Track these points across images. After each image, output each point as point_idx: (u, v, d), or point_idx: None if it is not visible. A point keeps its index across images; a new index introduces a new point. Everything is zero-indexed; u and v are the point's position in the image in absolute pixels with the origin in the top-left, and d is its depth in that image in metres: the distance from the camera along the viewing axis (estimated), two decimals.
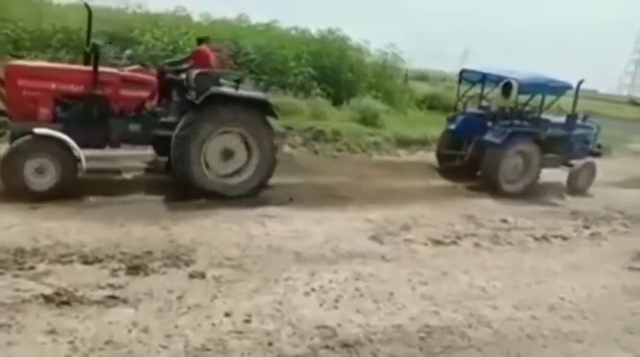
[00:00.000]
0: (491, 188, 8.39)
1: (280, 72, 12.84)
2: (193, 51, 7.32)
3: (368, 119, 12.02)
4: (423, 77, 24.58)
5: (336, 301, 4.08)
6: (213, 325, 3.50)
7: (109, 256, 4.32)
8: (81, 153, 5.62)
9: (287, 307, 3.86)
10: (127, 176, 6.74)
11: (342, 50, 14.42)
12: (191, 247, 4.71)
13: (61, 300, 3.57)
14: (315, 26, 15.03)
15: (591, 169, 9.45)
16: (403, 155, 10.92)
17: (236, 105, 6.29)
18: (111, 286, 3.86)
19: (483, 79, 9.54)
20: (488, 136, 8.52)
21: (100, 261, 4.23)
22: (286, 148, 9.24)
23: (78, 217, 5.08)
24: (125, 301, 3.67)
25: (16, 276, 3.82)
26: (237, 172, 6.50)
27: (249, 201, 6.29)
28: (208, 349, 3.24)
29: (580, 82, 9.29)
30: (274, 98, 10.97)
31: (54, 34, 11.21)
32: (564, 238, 6.52)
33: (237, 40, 13.03)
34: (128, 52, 10.98)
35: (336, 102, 13.05)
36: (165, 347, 3.20)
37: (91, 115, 6.03)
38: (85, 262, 4.19)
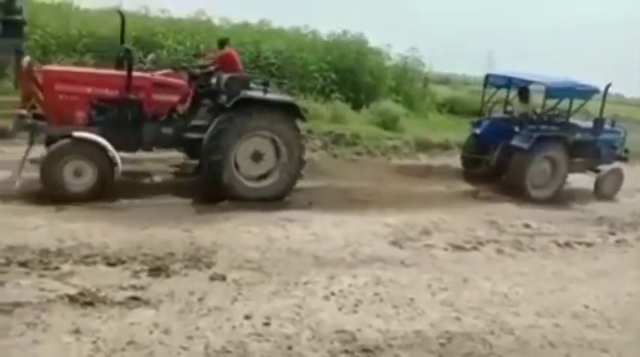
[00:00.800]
0: (518, 194, 8.26)
1: (300, 76, 12.89)
2: (219, 55, 7.37)
3: (388, 123, 11.99)
4: (445, 81, 24.40)
5: (356, 305, 4.06)
6: (234, 327, 3.52)
7: (131, 257, 4.38)
8: (117, 156, 5.77)
9: (306, 310, 3.86)
10: (157, 179, 6.89)
11: (360, 53, 14.41)
12: (212, 249, 4.75)
13: (84, 300, 3.63)
14: (334, 30, 15.08)
15: (618, 175, 9.28)
16: (423, 159, 10.85)
17: (265, 108, 6.38)
18: (133, 287, 3.91)
19: (509, 83, 9.45)
20: (516, 141, 8.43)
21: (122, 262, 4.29)
22: (306, 152, 9.26)
23: (102, 220, 5.17)
24: (147, 303, 3.71)
25: (42, 276, 3.90)
26: (266, 174, 6.60)
27: (269, 204, 6.32)
28: (229, 352, 3.26)
29: (607, 86, 9.21)
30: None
31: (80, 39, 11.48)
32: (589, 245, 6.39)
33: (258, 44, 13.14)
34: (151, 56, 11.12)
35: (356, 106, 13.04)
36: (185, 349, 3.23)
37: (126, 118, 6.18)
38: (108, 264, 4.26)
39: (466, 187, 8.77)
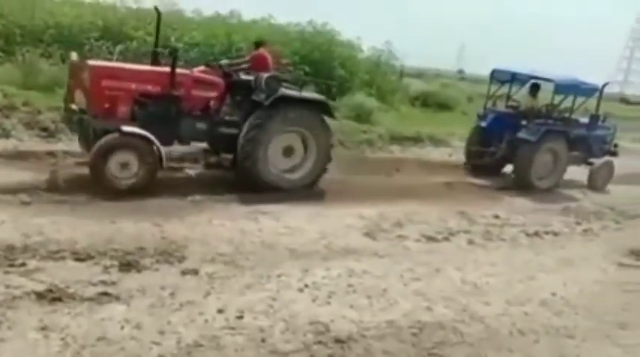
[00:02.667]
0: (524, 185, 8.72)
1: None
2: (253, 55, 7.61)
3: (362, 116, 12.03)
4: (418, 75, 24.62)
5: (329, 297, 4.08)
6: (206, 321, 3.49)
7: (100, 252, 4.29)
8: (163, 150, 5.95)
9: (280, 303, 3.85)
10: (191, 173, 7.09)
11: (331, 45, 14.36)
12: (183, 243, 4.69)
13: (52, 296, 3.54)
14: (300, 21, 15.01)
15: (610, 168, 9.81)
16: (396, 152, 10.94)
17: (299, 106, 6.72)
18: (103, 282, 3.83)
19: (512, 78, 9.77)
20: (523, 134, 8.82)
21: (91, 258, 4.20)
22: None
23: (69, 214, 5.05)
24: (117, 298, 3.65)
25: (7, 272, 3.78)
26: (295, 167, 6.94)
27: (241, 197, 6.29)
28: (201, 345, 3.23)
29: (604, 85, 9.80)
30: None
31: (46, 29, 11.14)
32: (556, 234, 6.57)
33: (229, 35, 12.99)
34: (120, 47, 10.91)
35: (329, 99, 13.00)
36: (157, 344, 3.18)
37: (166, 113, 6.34)
38: (77, 259, 4.15)
39: (438, 178, 8.88)
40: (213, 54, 11.96)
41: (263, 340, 3.37)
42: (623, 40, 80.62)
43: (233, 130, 6.58)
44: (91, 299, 3.59)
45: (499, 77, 9.88)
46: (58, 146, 7.51)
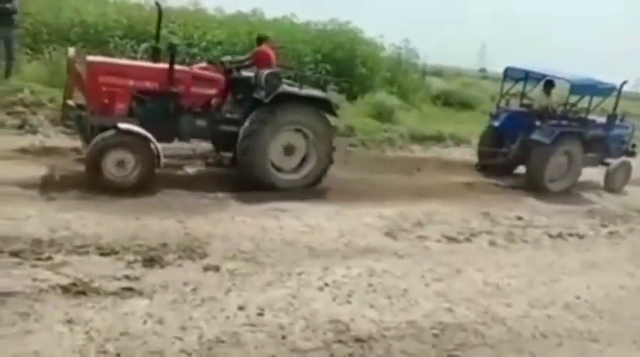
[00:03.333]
0: (535, 187, 8.46)
1: (295, 67, 12.80)
2: (255, 51, 7.55)
3: (383, 115, 11.95)
4: (437, 73, 24.38)
5: (349, 296, 4.07)
6: (227, 317, 3.53)
7: (125, 248, 4.36)
8: (160, 148, 5.86)
9: (300, 301, 3.87)
10: (190, 171, 6.99)
11: (354, 43, 14.33)
12: (206, 240, 4.74)
13: (77, 290, 3.61)
14: (322, 19, 15.00)
15: (627, 168, 9.55)
16: (417, 151, 10.86)
17: (300, 103, 6.61)
18: (127, 277, 3.90)
19: (526, 77, 9.59)
20: (537, 136, 8.54)
21: (116, 253, 4.27)
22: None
23: (95, 210, 5.13)
24: (140, 293, 3.71)
25: (34, 266, 3.87)
26: (298, 166, 6.83)
27: (262, 195, 6.31)
28: (222, 341, 3.26)
29: (623, 84, 9.41)
30: None
31: (71, 28, 11.34)
32: (580, 237, 6.45)
33: (251, 34, 13.02)
34: (144, 45, 11.04)
35: (350, 97, 12.99)
36: (179, 339, 3.23)
37: (164, 110, 6.28)
38: (102, 254, 4.23)
39: (460, 178, 8.79)
40: (235, 52, 12.04)
41: (283, 338, 3.39)
42: None
43: (233, 128, 6.49)
44: (114, 294, 3.65)
45: (513, 75, 9.67)
46: None
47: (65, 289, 3.61)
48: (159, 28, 6.81)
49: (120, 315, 3.40)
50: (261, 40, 7.69)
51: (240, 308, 3.65)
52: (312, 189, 6.79)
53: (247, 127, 6.34)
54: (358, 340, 3.49)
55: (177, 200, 5.73)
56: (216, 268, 4.22)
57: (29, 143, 7.08)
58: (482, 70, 55.58)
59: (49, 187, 5.57)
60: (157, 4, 6.80)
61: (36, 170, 6.02)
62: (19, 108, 8.01)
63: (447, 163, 9.87)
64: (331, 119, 6.98)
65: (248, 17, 14.82)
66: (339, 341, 3.45)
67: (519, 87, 9.98)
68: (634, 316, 4.43)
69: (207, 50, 11.90)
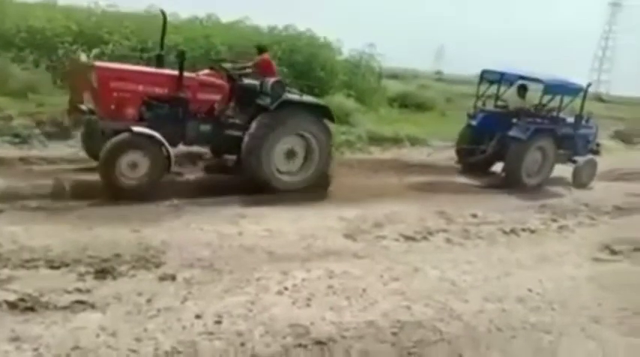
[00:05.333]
0: (514, 182, 8.91)
1: None
2: (257, 60, 7.82)
3: (340, 117, 12.01)
4: (394, 75, 24.76)
5: (309, 299, 4.07)
6: (184, 327, 3.46)
7: (76, 260, 4.21)
8: (172, 151, 6.07)
9: (259, 306, 3.84)
10: (187, 177, 7.14)
11: (312, 47, 14.40)
12: (161, 248, 4.64)
13: (25, 306, 3.47)
14: (283, 24, 15.07)
15: (593, 165, 10.10)
16: (376, 153, 10.98)
17: (302, 110, 6.96)
18: (78, 290, 3.77)
19: (501, 79, 10.01)
20: (514, 132, 8.99)
21: (66, 265, 4.12)
22: None
23: (44, 221, 4.96)
24: (93, 306, 3.59)
25: None
26: (298, 170, 7.14)
27: (221, 201, 6.25)
28: (179, 352, 3.20)
29: (588, 85, 10.14)
30: None
31: (17, 33, 10.93)
32: (532, 231, 6.65)
33: (209, 38, 12.91)
34: (95, 51, 10.76)
35: None
36: (134, 351, 3.14)
37: (172, 116, 6.51)
38: (51, 267, 4.08)
39: (417, 179, 8.95)
40: (193, 57, 11.87)
41: (242, 345, 3.35)
42: (596, 41, 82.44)
43: (237, 133, 6.74)
44: (65, 308, 3.53)
45: (489, 77, 10.08)
46: (32, 152, 7.38)
47: (12, 305, 3.46)
48: (163, 35, 6.92)
49: (71, 329, 3.28)
50: (261, 49, 8.12)
51: (198, 317, 3.59)
52: (270, 194, 6.76)
53: (254, 131, 6.61)
54: (318, 342, 3.49)
55: (131, 209, 5.58)
56: (172, 277, 4.14)
57: None
58: (439, 72, 56.83)
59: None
60: (162, 12, 7.02)
61: None
62: None
63: (405, 164, 10.02)
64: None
65: (203, 22, 14.67)
66: (299, 345, 3.44)
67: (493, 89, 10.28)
68: (583, 305, 4.61)
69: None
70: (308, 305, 3.98)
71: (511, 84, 10.11)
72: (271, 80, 6.84)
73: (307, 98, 7.22)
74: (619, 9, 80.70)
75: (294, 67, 13.46)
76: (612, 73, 78.48)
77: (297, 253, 5.03)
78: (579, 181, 9.88)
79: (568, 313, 4.42)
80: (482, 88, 10.09)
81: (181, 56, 6.52)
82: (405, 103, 17.08)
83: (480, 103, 10.02)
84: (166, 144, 6.00)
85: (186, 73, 6.57)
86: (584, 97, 9.98)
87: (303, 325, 3.65)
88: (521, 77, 9.82)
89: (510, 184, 8.94)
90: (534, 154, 9.12)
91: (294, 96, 7.00)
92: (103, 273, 4.06)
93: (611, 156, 13.56)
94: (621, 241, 6.47)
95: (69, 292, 3.72)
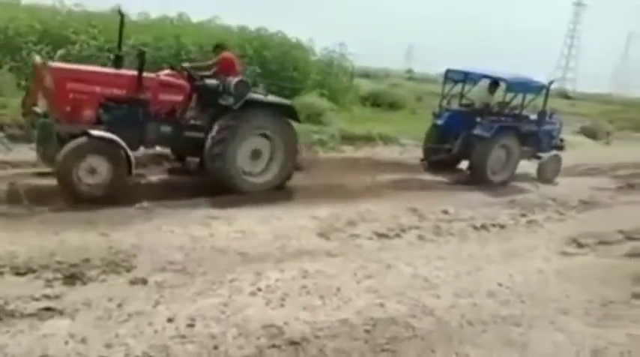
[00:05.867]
0: (480, 180, 9.03)
1: None
2: (219, 58, 7.54)
3: (313, 117, 12.04)
4: (366, 74, 24.91)
5: (283, 299, 4.07)
6: (156, 331, 3.41)
7: (43, 266, 4.11)
8: (132, 156, 5.85)
9: (232, 308, 3.81)
10: (152, 179, 6.93)
11: (284, 47, 14.37)
12: (132, 252, 4.56)
13: None
14: (254, 24, 14.99)
15: (557, 161, 10.35)
16: (349, 151, 11.02)
17: (266, 110, 6.83)
18: (46, 297, 3.68)
19: (465, 78, 10.14)
20: (478, 131, 9.14)
21: (33, 271, 4.02)
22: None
23: (8, 227, 4.81)
24: (61, 312, 3.52)
25: None
26: (263, 171, 7.02)
27: (192, 203, 6.17)
28: (151, 356, 3.15)
29: (551, 82, 10.44)
30: None
31: None
32: (502, 227, 6.79)
33: (179, 38, 12.75)
34: (61, 52, 10.50)
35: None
36: None
37: (131, 117, 6.27)
38: (17, 274, 3.97)
39: (390, 176, 9.01)
40: (161, 57, 11.70)
41: (215, 347, 3.33)
42: (562, 39, 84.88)
43: (199, 134, 6.58)
44: (32, 315, 3.44)
45: (453, 77, 10.22)
46: None
47: None
48: (121, 35, 6.68)
49: (38, 337, 3.20)
50: (219, 47, 7.78)
51: (170, 320, 3.54)
52: (244, 194, 6.71)
53: (216, 133, 6.45)
54: (292, 342, 3.49)
55: (98, 212, 5.45)
56: (144, 281, 4.08)
57: None
58: (409, 71, 57.43)
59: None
60: (120, 12, 6.73)
61: None
62: None
63: (378, 162, 10.09)
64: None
65: (174, 21, 14.47)
66: (273, 346, 3.43)
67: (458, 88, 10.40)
68: (551, 298, 4.73)
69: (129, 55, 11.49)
70: (282, 305, 3.98)
71: (475, 83, 10.24)
72: (235, 80, 6.68)
73: (272, 98, 7.10)
74: (583, 8, 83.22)
75: (265, 67, 13.40)
76: (577, 71, 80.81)
77: (270, 253, 5.02)
78: (544, 176, 10.10)
79: (537, 306, 4.53)
80: (447, 87, 10.23)
81: (141, 56, 6.31)
82: (377, 101, 17.21)
83: (444, 103, 10.15)
84: (126, 147, 5.79)
85: (146, 74, 6.39)
86: (547, 94, 10.19)
87: (276, 326, 3.65)
88: (485, 76, 9.94)
89: (476, 181, 9.09)
90: (498, 151, 9.25)
91: (258, 95, 6.87)
92: (71, 278, 3.98)
93: (577, 151, 13.95)
94: (587, 234, 6.66)
95: (36, 299, 3.63)
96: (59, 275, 4.00)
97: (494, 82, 9.87)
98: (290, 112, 7.13)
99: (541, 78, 10.34)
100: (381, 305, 4.14)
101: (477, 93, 10.19)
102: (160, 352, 3.21)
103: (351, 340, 3.61)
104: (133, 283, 4.05)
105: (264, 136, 6.92)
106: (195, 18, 14.92)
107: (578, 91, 59.29)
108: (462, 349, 3.71)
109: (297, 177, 8.03)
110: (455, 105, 10.20)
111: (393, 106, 17.45)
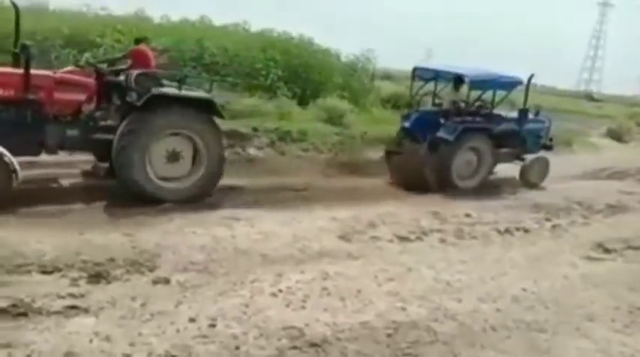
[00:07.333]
0: (445, 186, 8.27)
1: (248, 74, 12.76)
2: (130, 50, 7.06)
3: (334, 119, 12.05)
4: (387, 76, 24.81)
5: (304, 301, 4.06)
6: (178, 331, 3.44)
7: (68, 265, 4.19)
8: (15, 162, 5.27)
9: (253, 309, 3.82)
10: (65, 184, 6.51)
11: (309, 52, 14.44)
12: (155, 252, 4.62)
13: (17, 312, 3.45)
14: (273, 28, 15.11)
15: (544, 163, 9.54)
16: (369, 154, 10.97)
17: (180, 106, 6.10)
18: (71, 295, 3.75)
19: (436, 76, 9.50)
20: (441, 133, 8.41)
21: (59, 270, 4.11)
22: (252, 150, 9.23)
23: (36, 226, 4.93)
24: (86, 311, 3.57)
25: None
26: (185, 175, 6.34)
27: (215, 204, 6.23)
28: (173, 356, 3.18)
29: (530, 77, 9.34)
30: (239, 100, 10.96)
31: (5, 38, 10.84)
32: (526, 231, 6.67)
33: (201, 42, 12.91)
34: (87, 55, 10.71)
35: (302, 102, 13.06)
36: (128, 356, 3.13)
37: (24, 120, 5.71)
38: (44, 272, 4.06)
39: None
40: (183, 60, 11.86)
41: (237, 348, 3.34)
42: (588, 40, 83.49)
43: (109, 136, 5.98)
44: (58, 313, 3.51)
45: (422, 75, 9.55)
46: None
47: (4, 311, 3.44)
48: (17, 30, 6.18)
49: (64, 335, 3.26)
50: (139, 41, 7.27)
51: (192, 320, 3.57)
52: (264, 196, 6.74)
53: (120, 135, 5.86)
54: (313, 344, 3.48)
55: (122, 213, 5.55)
56: (166, 281, 4.13)
57: None
58: None
59: None
60: (14, 3, 6.20)
61: None
62: None
63: None
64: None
65: (195, 25, 14.67)
66: (294, 347, 3.43)
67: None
68: (577, 304, 4.62)
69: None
70: (302, 307, 3.97)
71: (448, 81, 9.38)
72: (135, 72, 6.07)
73: (187, 92, 6.26)
74: (609, 9, 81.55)
75: (290, 71, 13.47)
76: (602, 72, 79.21)
77: (291, 254, 5.02)
78: (528, 180, 9.31)
79: (562, 312, 4.43)
80: (416, 86, 9.48)
81: (26, 51, 5.63)
82: (398, 103, 17.09)
83: (416, 103, 9.48)
84: (7, 154, 5.20)
85: (40, 71, 5.91)
86: (527, 90, 9.36)
87: (297, 327, 3.64)
88: (446, 72, 9.06)
89: (440, 187, 8.23)
90: (466, 155, 8.49)
91: (168, 89, 6.19)
92: (96, 277, 4.05)
93: (603, 154, 13.66)
94: (614, 239, 6.49)
95: (62, 297, 3.70)
96: (84, 274, 4.08)
97: (459, 79, 8.90)
98: (210, 108, 6.32)
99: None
100: (403, 309, 4.10)
101: (445, 92, 9.44)
102: (182, 351, 3.23)
103: (373, 343, 3.58)
104: (155, 282, 4.10)
105: (183, 136, 6.22)
106: (217, 22, 15.10)
107: (604, 93, 58.10)
108: (485, 354, 3.65)
109: (319, 179, 8.02)
110: (428, 105, 9.53)
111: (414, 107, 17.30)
